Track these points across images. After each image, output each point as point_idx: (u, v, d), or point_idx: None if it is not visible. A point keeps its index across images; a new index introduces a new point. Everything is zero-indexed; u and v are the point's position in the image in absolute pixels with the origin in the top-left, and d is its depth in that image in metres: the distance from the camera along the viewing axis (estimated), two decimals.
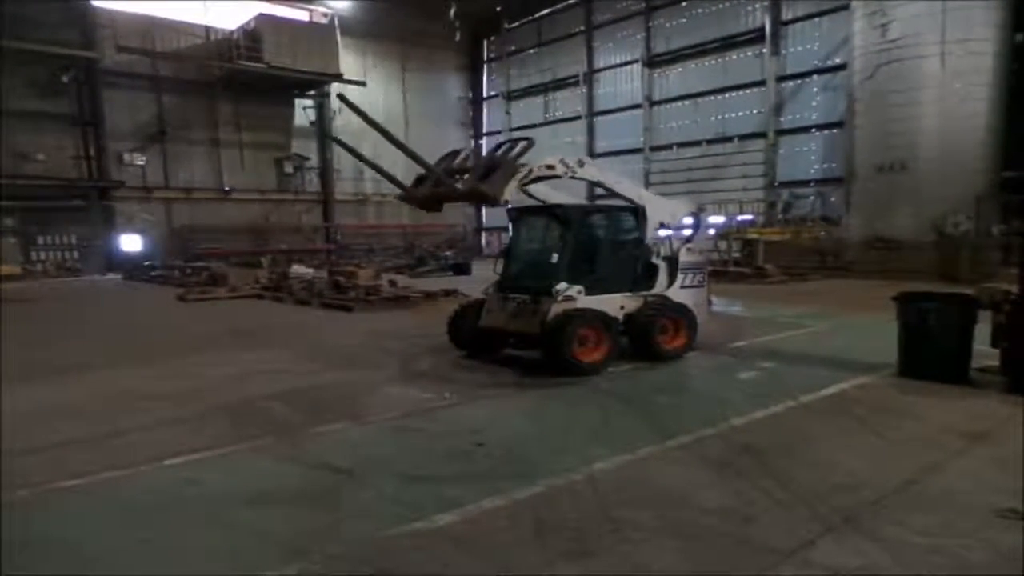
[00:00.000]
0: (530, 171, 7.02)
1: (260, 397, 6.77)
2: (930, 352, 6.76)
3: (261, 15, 28.72)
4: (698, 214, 9.03)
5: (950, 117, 17.64)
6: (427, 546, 3.55)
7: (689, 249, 8.72)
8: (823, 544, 3.48)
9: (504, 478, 4.43)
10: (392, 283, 16.62)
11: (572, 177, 7.52)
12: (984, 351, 6.66)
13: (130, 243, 27.32)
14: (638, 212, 8.29)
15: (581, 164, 7.57)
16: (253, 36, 28.03)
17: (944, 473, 4.45)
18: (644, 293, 8.21)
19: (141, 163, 27.70)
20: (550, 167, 7.28)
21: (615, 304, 7.92)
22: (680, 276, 8.47)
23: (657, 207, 8.45)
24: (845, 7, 20.94)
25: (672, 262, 8.49)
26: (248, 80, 29.01)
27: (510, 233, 9.23)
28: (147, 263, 25.50)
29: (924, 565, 3.27)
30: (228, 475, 4.66)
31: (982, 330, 6.60)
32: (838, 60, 22.52)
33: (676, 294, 8.39)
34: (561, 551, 3.46)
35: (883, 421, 5.58)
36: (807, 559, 3.34)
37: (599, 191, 9.35)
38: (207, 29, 28.69)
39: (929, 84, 17.83)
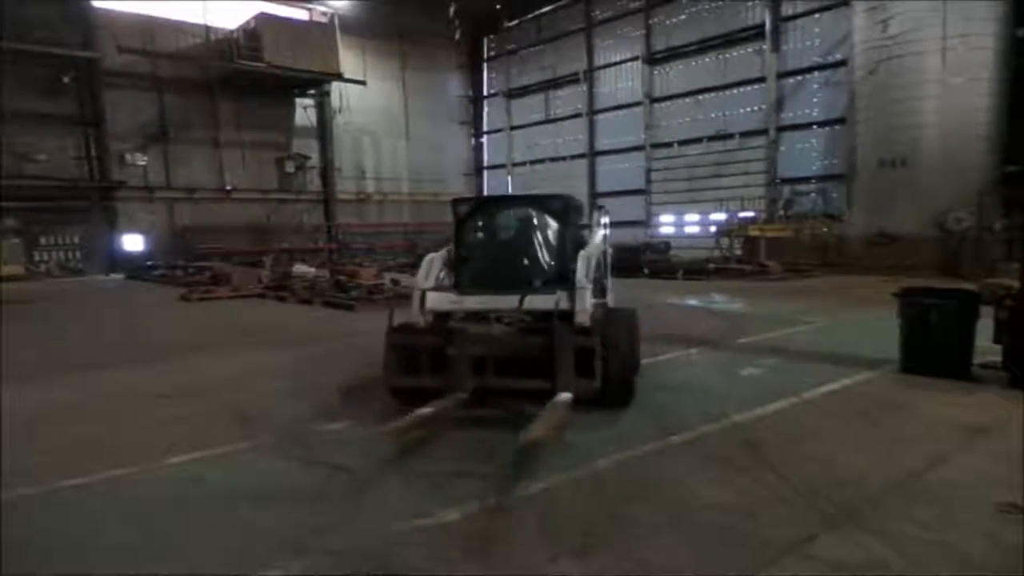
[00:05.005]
0: None
1: (263, 395, 6.80)
2: (932, 348, 6.76)
3: (261, 14, 28.67)
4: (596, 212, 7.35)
5: (951, 112, 17.61)
6: (430, 542, 3.57)
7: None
8: (825, 538, 3.49)
9: (507, 475, 4.45)
10: (395, 282, 16.64)
11: None
12: (986, 347, 6.68)
13: (132, 243, 27.29)
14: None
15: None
16: (253, 35, 27.96)
17: (946, 468, 4.46)
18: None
19: (143, 163, 27.66)
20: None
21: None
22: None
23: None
24: (845, 3, 20.89)
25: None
26: (249, 80, 28.95)
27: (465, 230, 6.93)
28: (149, 263, 25.52)
29: (925, 559, 3.29)
30: (231, 473, 4.68)
31: (984, 326, 6.62)
32: (839, 56, 22.43)
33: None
34: (564, 547, 3.48)
35: (885, 416, 5.60)
36: (809, 553, 3.36)
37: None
38: (207, 29, 28.67)
39: (930, 79, 17.80)
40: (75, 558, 3.55)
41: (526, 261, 6.60)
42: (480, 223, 7.03)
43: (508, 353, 5.68)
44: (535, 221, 6.81)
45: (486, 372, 5.56)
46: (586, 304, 5.68)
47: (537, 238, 6.75)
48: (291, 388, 7.07)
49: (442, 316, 6.18)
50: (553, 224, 6.68)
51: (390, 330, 5.88)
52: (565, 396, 5.19)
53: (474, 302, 6.09)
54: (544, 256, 6.62)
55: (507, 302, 6.00)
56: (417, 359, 5.78)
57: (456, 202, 7.02)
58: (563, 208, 6.71)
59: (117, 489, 4.45)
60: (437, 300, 6.13)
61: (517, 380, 5.62)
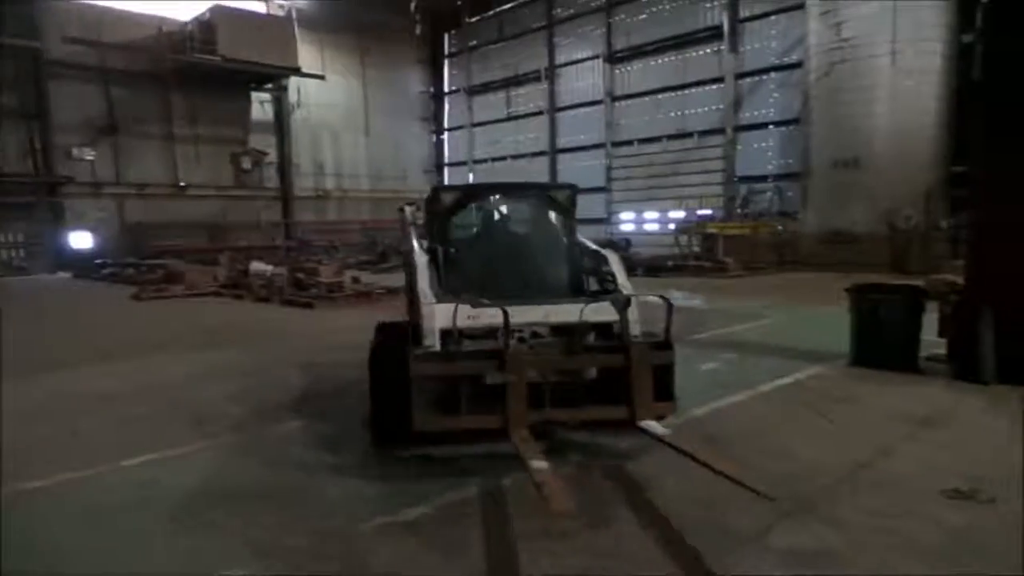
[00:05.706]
0: None
1: (220, 396, 6.65)
2: (881, 342, 7.00)
3: (216, 6, 27.95)
4: None
5: (902, 114, 18.21)
6: (393, 540, 3.55)
7: None
8: (781, 528, 3.58)
9: (470, 473, 4.44)
10: (355, 279, 16.45)
11: None
12: (932, 341, 6.94)
13: (80, 240, 26.37)
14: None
15: None
16: (208, 28, 27.27)
17: (894, 457, 4.62)
18: None
19: (91, 158, 26.72)
20: None
21: None
22: None
23: None
24: (800, 6, 21.38)
25: None
26: (203, 73, 28.23)
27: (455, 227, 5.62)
28: (98, 261, 24.70)
29: (877, 545, 3.40)
30: (189, 474, 4.57)
31: (930, 320, 6.88)
32: (795, 58, 22.96)
33: None
34: (528, 539, 3.50)
35: (836, 409, 5.77)
36: (766, 543, 3.44)
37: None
38: (160, 20, 27.87)
39: (881, 82, 18.37)
40: (33, 563, 3.43)
41: (539, 263, 5.53)
42: (472, 217, 5.80)
43: (577, 377, 4.57)
44: (540, 214, 5.82)
45: (544, 403, 4.36)
46: (637, 314, 4.90)
47: (545, 235, 5.74)
48: (249, 387, 6.93)
49: (448, 336, 4.46)
50: (560, 218, 5.68)
51: (415, 359, 4.26)
52: (658, 427, 4.26)
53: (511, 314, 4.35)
54: (557, 257, 5.57)
55: (536, 313, 4.80)
56: (454, 393, 4.33)
57: (437, 191, 5.60)
58: (571, 199, 5.63)
59: (74, 492, 4.33)
60: (447, 315, 4.41)
61: (586, 410, 4.51)
